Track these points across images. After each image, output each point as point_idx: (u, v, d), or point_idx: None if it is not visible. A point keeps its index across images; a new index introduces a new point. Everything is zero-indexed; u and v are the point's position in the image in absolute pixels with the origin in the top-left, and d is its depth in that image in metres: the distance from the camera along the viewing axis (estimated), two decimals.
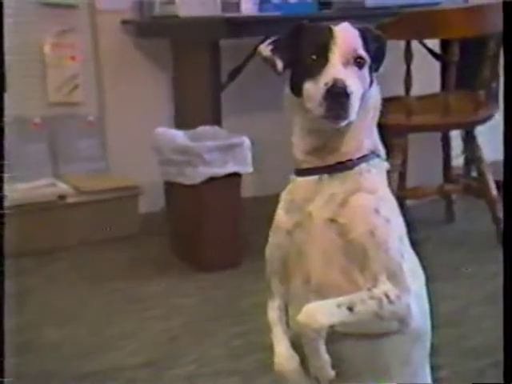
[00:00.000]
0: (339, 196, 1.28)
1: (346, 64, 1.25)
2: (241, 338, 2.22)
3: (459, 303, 2.41)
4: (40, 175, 3.19)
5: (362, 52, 1.26)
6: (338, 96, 1.21)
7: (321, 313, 1.24)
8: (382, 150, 1.35)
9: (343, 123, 1.25)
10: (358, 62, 1.25)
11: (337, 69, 1.23)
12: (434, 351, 1.40)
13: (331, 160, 1.29)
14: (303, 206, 1.30)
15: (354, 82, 1.24)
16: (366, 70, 1.27)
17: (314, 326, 1.23)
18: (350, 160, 1.29)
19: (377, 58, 1.30)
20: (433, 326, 1.38)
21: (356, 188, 1.28)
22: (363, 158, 1.30)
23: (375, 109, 1.32)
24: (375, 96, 1.32)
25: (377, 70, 1.31)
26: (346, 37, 1.26)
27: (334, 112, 1.22)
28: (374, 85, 1.31)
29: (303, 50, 1.27)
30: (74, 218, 3.09)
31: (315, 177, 1.30)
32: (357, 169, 1.30)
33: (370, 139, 1.32)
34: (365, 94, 1.27)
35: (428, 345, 1.37)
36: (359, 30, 1.28)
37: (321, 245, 1.28)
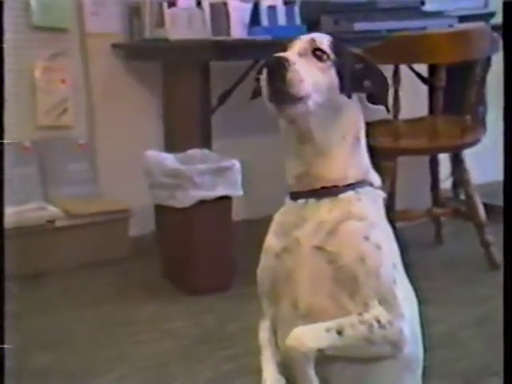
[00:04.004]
0: (328, 224, 1.28)
1: (302, 54, 1.26)
2: (231, 362, 2.22)
3: (448, 326, 2.42)
4: (30, 199, 3.18)
5: (324, 46, 1.26)
6: (272, 66, 1.21)
7: (309, 337, 1.24)
8: (375, 180, 1.35)
9: (292, 109, 1.22)
10: (318, 55, 1.26)
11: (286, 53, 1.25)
12: (423, 374, 1.40)
13: (316, 185, 1.30)
14: (291, 231, 1.31)
15: (307, 65, 1.24)
16: (330, 67, 1.26)
17: (301, 350, 1.23)
18: (335, 186, 1.30)
19: (359, 76, 1.30)
20: (423, 349, 1.39)
21: (345, 216, 1.28)
22: (350, 186, 1.30)
23: (354, 134, 1.31)
24: (353, 117, 1.31)
25: (359, 87, 1.31)
26: (310, 35, 1.29)
27: (275, 88, 1.21)
28: (353, 107, 1.31)
29: None
30: (63, 242, 3.08)
31: (303, 201, 1.31)
32: (345, 197, 1.30)
33: (357, 168, 1.32)
34: (335, 97, 1.26)
35: (419, 372, 1.37)
36: (334, 38, 1.30)
37: (308, 271, 1.28)
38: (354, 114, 1.32)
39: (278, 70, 1.21)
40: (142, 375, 2.20)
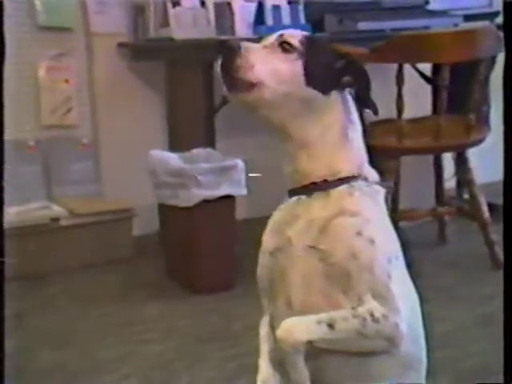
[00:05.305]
0: (319, 222, 1.28)
1: (268, 46, 1.28)
2: (234, 361, 2.22)
3: (452, 325, 2.41)
4: (34, 198, 3.18)
5: (291, 39, 1.27)
6: (224, 48, 1.24)
7: (299, 329, 1.24)
8: (371, 174, 1.34)
9: (244, 95, 1.24)
10: (284, 47, 1.27)
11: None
12: (427, 373, 1.40)
13: (305, 181, 1.30)
14: (283, 229, 1.31)
15: (268, 55, 1.25)
16: (295, 59, 1.26)
17: (291, 342, 1.23)
18: (325, 181, 1.29)
19: (336, 72, 1.30)
20: (427, 348, 1.38)
21: (336, 213, 1.27)
22: (341, 181, 1.29)
23: (340, 131, 1.30)
24: (335, 116, 1.30)
25: (337, 83, 1.30)
26: (281, 32, 1.30)
27: (225, 72, 1.24)
28: (333, 104, 1.30)
29: None
30: (67, 241, 3.08)
31: (296, 198, 1.31)
32: (337, 192, 1.29)
33: (349, 163, 1.30)
34: (304, 90, 1.26)
35: (423, 373, 1.36)
36: (312, 37, 1.31)
37: (301, 270, 1.28)
38: (336, 111, 1.30)
39: (229, 55, 1.24)
40: (146, 374, 2.20)
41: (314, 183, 1.30)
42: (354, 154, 1.32)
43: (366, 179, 1.32)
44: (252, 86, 1.25)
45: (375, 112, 1.32)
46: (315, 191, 1.30)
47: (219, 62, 1.26)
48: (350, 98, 1.33)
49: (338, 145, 1.30)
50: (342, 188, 1.29)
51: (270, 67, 1.25)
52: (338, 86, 1.31)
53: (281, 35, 1.29)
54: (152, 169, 2.88)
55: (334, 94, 1.30)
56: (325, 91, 1.29)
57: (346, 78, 1.31)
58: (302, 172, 1.30)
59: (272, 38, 1.29)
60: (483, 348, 2.22)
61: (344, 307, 1.25)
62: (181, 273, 2.89)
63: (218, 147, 3.01)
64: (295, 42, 1.28)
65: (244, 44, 1.26)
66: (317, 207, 1.29)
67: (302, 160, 1.30)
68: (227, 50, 1.24)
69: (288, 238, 1.30)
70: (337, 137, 1.30)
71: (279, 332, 1.25)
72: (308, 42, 1.29)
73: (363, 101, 1.33)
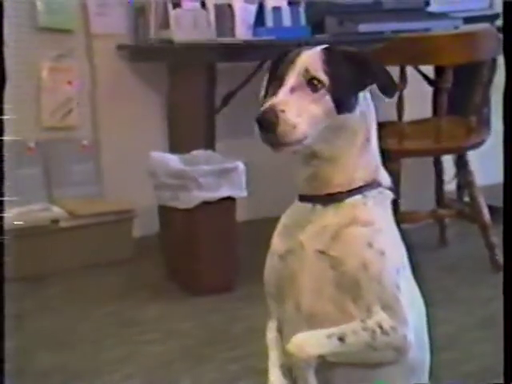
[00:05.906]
0: (332, 228, 1.28)
1: (297, 87, 1.23)
2: (236, 363, 2.22)
3: (452, 328, 2.41)
4: (34, 199, 3.18)
5: (318, 73, 1.24)
6: (261, 122, 1.21)
7: (309, 343, 1.24)
8: (385, 180, 1.34)
9: (286, 148, 1.22)
10: (313, 84, 1.24)
11: (278, 95, 1.23)
12: (429, 375, 1.40)
13: (323, 190, 1.30)
14: (295, 233, 1.31)
15: (300, 104, 1.22)
16: (324, 93, 1.24)
17: (302, 357, 1.24)
18: (340, 192, 1.29)
19: (357, 79, 1.27)
20: (429, 351, 1.38)
21: (349, 221, 1.27)
22: (357, 190, 1.29)
23: (364, 136, 1.30)
24: (360, 122, 1.29)
25: (361, 89, 1.28)
26: (303, 60, 1.26)
27: (265, 138, 1.22)
28: (359, 110, 1.29)
29: (272, 77, 1.29)
30: (67, 243, 3.08)
31: (310, 205, 1.31)
32: (350, 201, 1.29)
33: (366, 169, 1.30)
34: (335, 119, 1.25)
35: (426, 376, 1.37)
36: (325, 51, 1.27)
37: (311, 275, 1.28)
38: (362, 119, 1.30)
39: (268, 125, 1.21)
40: (147, 375, 2.20)
41: (330, 194, 1.29)
42: (372, 159, 1.32)
43: (379, 184, 1.32)
44: (298, 141, 1.23)
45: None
46: (331, 202, 1.29)
47: (257, 127, 1.22)
48: (368, 95, 1.31)
49: (360, 152, 1.30)
50: (357, 197, 1.29)
51: (309, 117, 1.22)
52: (360, 90, 1.29)
53: (306, 71, 1.24)
54: (152, 170, 2.88)
55: (358, 99, 1.29)
56: (352, 109, 1.28)
57: (368, 80, 1.28)
58: (322, 180, 1.29)
59: (296, 72, 1.24)
60: (484, 350, 2.22)
61: (353, 315, 1.25)
62: (181, 274, 2.89)
63: (218, 149, 3.01)
64: (321, 75, 1.24)
65: (278, 104, 1.21)
66: (330, 214, 1.29)
67: (323, 170, 1.29)
68: (265, 121, 1.20)
69: (300, 242, 1.30)
70: (360, 144, 1.30)
71: (290, 347, 1.26)
72: (331, 69, 1.25)
73: (388, 93, 1.30)
